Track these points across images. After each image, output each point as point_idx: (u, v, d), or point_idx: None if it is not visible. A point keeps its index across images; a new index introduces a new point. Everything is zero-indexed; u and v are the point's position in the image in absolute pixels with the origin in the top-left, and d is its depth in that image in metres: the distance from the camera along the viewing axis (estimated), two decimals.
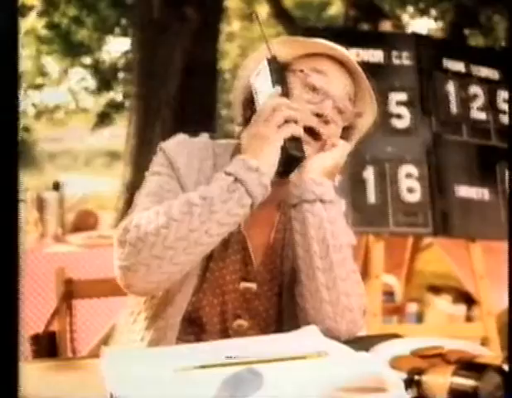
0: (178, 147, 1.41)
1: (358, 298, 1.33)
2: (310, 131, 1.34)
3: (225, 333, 1.41)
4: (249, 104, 1.39)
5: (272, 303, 1.44)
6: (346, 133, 1.44)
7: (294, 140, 1.27)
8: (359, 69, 1.40)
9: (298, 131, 1.27)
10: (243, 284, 1.42)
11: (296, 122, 1.27)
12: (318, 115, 1.34)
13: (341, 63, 1.40)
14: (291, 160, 1.28)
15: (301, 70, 1.37)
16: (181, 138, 1.45)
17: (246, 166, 1.22)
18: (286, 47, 1.40)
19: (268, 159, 1.24)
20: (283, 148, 1.26)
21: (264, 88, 1.33)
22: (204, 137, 1.48)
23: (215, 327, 1.41)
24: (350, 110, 1.40)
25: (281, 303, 1.43)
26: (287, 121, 1.26)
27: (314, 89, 1.36)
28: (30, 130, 11.25)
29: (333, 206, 1.34)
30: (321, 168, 1.35)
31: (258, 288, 1.42)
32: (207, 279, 1.38)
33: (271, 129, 1.25)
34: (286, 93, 1.32)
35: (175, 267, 1.22)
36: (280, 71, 1.34)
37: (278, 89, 1.31)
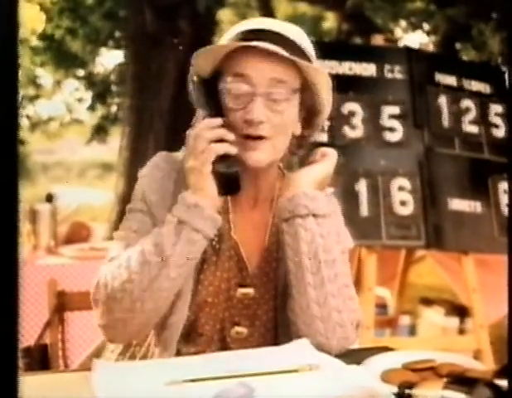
0: (152, 172, 1.38)
1: (350, 314, 1.31)
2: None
3: (224, 342, 1.40)
4: None
5: (270, 306, 1.41)
6: (312, 111, 1.39)
7: (224, 158, 1.24)
8: (281, 51, 1.29)
9: (224, 149, 1.24)
10: (240, 290, 1.39)
11: (222, 140, 1.24)
12: (246, 121, 1.29)
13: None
14: (227, 179, 1.25)
15: (223, 81, 1.32)
16: (158, 160, 1.41)
17: (186, 204, 1.23)
18: (206, 59, 1.34)
19: (206, 190, 1.23)
20: (215, 171, 1.24)
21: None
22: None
23: (213, 336, 1.39)
24: (285, 91, 1.31)
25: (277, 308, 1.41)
26: (213, 142, 1.23)
27: (238, 96, 1.30)
28: (24, 142, 11.21)
29: (326, 220, 1.31)
30: (313, 181, 1.33)
31: (255, 292, 1.40)
32: (200, 292, 1.36)
33: (197, 160, 1.23)
34: (216, 111, 1.29)
35: (148, 314, 1.24)
36: (205, 91, 1.33)
37: (200, 113, 1.31)
